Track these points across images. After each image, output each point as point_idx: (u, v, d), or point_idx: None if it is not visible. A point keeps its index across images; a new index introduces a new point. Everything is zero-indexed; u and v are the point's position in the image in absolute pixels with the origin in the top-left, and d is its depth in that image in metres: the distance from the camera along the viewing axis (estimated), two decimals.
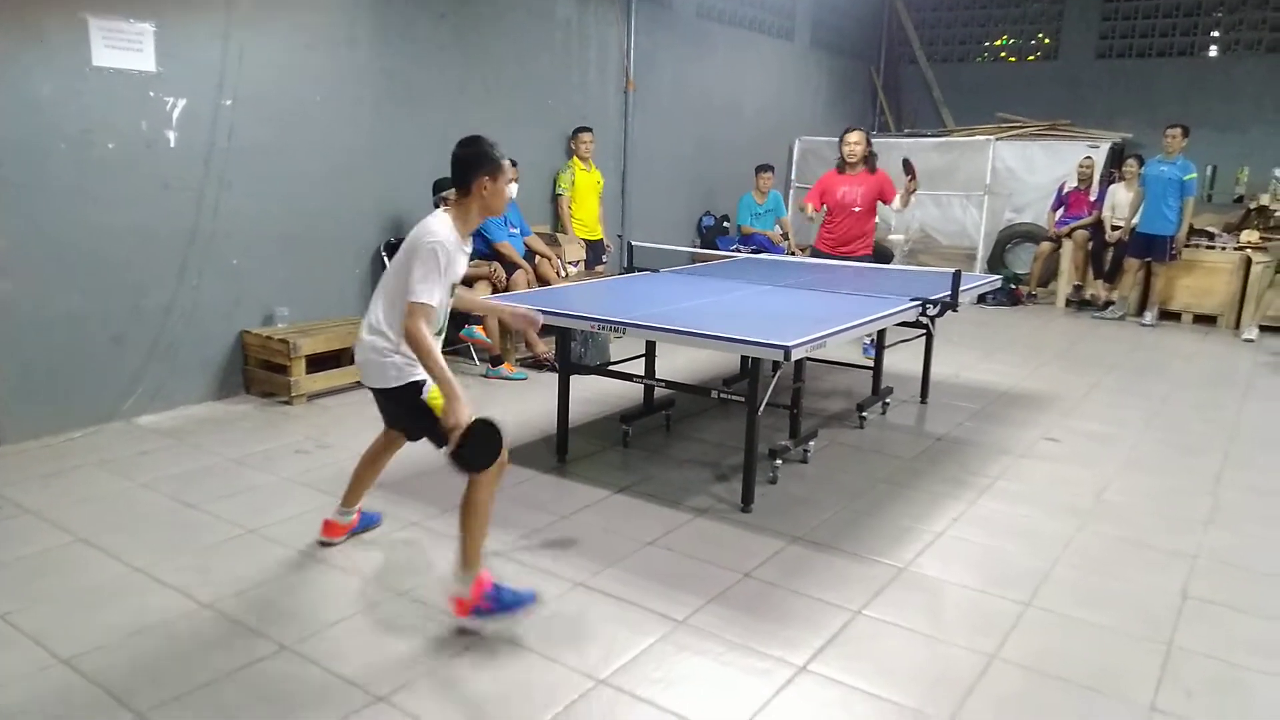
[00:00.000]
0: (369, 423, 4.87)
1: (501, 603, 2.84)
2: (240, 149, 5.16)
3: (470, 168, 2.97)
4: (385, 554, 3.38)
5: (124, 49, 4.60)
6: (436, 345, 2.90)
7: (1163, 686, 2.65)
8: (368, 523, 3.54)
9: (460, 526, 2.87)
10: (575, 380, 4.56)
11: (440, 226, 2.95)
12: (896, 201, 6.18)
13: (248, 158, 5.20)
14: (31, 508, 3.69)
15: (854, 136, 6.23)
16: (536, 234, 6.73)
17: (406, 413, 3.10)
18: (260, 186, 5.30)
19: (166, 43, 4.75)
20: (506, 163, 3.05)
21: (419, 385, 2.99)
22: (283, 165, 5.41)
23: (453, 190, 3.09)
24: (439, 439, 2.94)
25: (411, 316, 2.82)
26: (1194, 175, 8.27)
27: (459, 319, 5.77)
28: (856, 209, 6.24)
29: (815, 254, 6.60)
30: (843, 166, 6.31)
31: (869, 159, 6.24)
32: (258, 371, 5.34)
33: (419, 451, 4.51)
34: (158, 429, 4.76)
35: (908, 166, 6.07)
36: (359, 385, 5.50)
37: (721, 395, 4.20)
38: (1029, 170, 10.10)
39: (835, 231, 6.39)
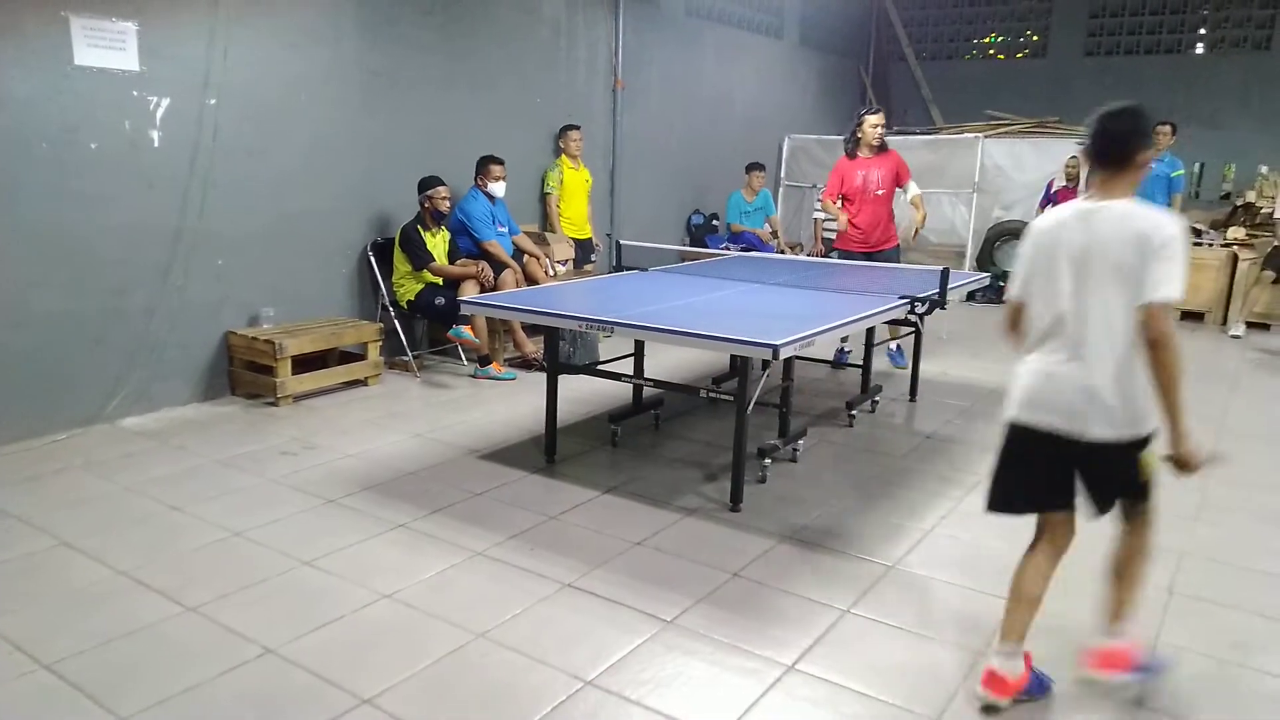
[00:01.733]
0: (355, 424, 4.88)
1: (1148, 667, 2.58)
2: (225, 148, 5.12)
3: (1141, 136, 2.45)
4: (370, 556, 3.35)
5: (106, 48, 4.56)
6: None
7: (1149, 683, 2.65)
8: (1038, 688, 2.61)
9: (1128, 575, 2.59)
10: (564, 380, 4.54)
11: (1170, 219, 2.34)
12: (914, 194, 6.14)
13: (232, 157, 5.17)
14: (14, 511, 3.66)
15: (874, 119, 6.11)
16: (525, 233, 6.71)
17: (1125, 469, 2.48)
18: (245, 186, 5.26)
19: (150, 41, 4.72)
20: None
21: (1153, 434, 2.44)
22: (268, 164, 5.37)
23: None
24: (1139, 495, 2.54)
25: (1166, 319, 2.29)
26: (1181, 172, 8.30)
27: (449, 319, 5.75)
28: (880, 191, 6.12)
29: (843, 255, 6.32)
30: (853, 151, 6.21)
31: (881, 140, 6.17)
32: (243, 373, 5.30)
33: (403, 452, 4.50)
34: (142, 431, 4.72)
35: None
36: (346, 386, 5.52)
37: (710, 394, 4.20)
38: (1018, 168, 10.12)
39: (862, 222, 6.18)
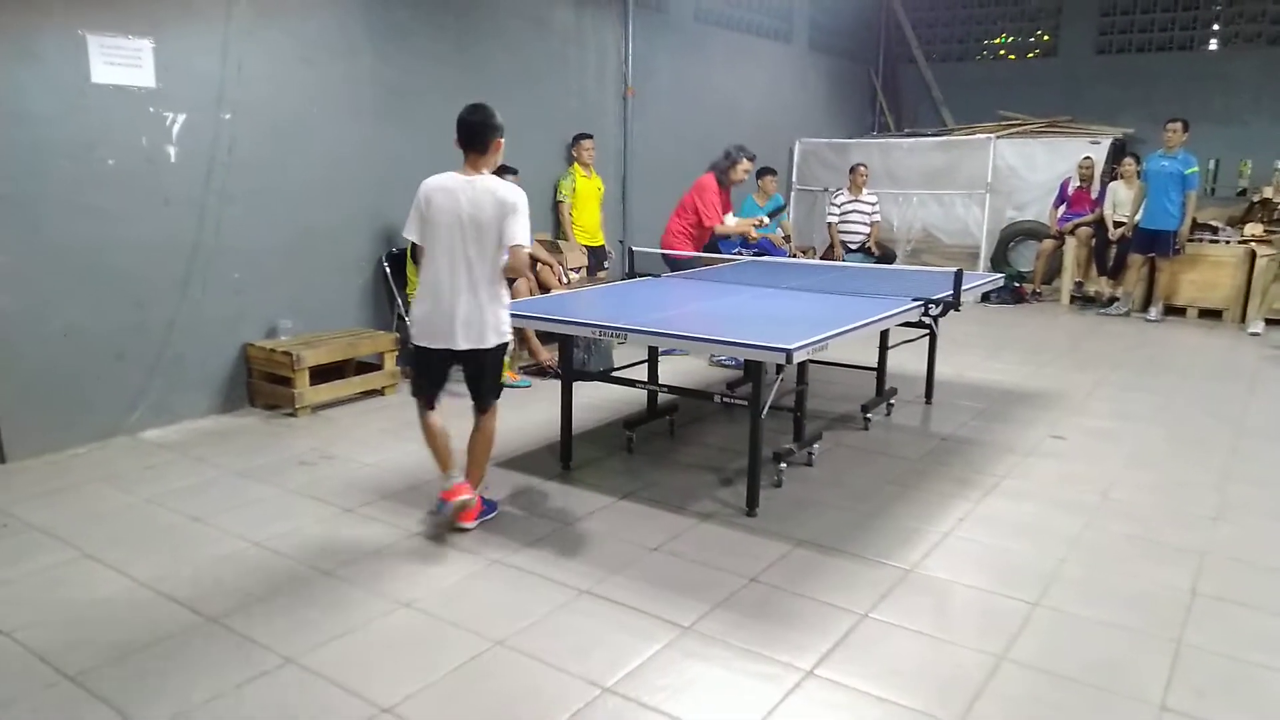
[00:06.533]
0: (373, 434, 4.90)
1: (489, 505, 3.74)
2: (241, 162, 5.17)
3: (490, 130, 3.49)
4: (388, 565, 3.37)
5: (123, 65, 4.62)
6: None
7: (1173, 685, 2.63)
8: (490, 510, 3.81)
9: (480, 453, 3.67)
10: (578, 387, 4.55)
11: (513, 188, 3.48)
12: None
13: (248, 171, 5.22)
14: (37, 523, 3.70)
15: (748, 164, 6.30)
16: (538, 241, 6.74)
17: (490, 370, 3.58)
18: (261, 199, 5.31)
19: (166, 58, 4.78)
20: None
21: (505, 346, 3.59)
22: (283, 178, 5.42)
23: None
24: (492, 395, 3.64)
25: (521, 257, 3.44)
26: (1195, 169, 8.24)
27: None
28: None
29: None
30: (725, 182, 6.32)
31: None
32: (262, 384, 5.35)
33: (419, 461, 4.51)
34: (163, 443, 4.76)
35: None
36: (363, 396, 5.55)
37: (725, 399, 4.19)
38: (1030, 168, 10.08)
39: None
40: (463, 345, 3.47)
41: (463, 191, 3.43)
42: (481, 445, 3.69)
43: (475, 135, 3.47)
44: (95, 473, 4.31)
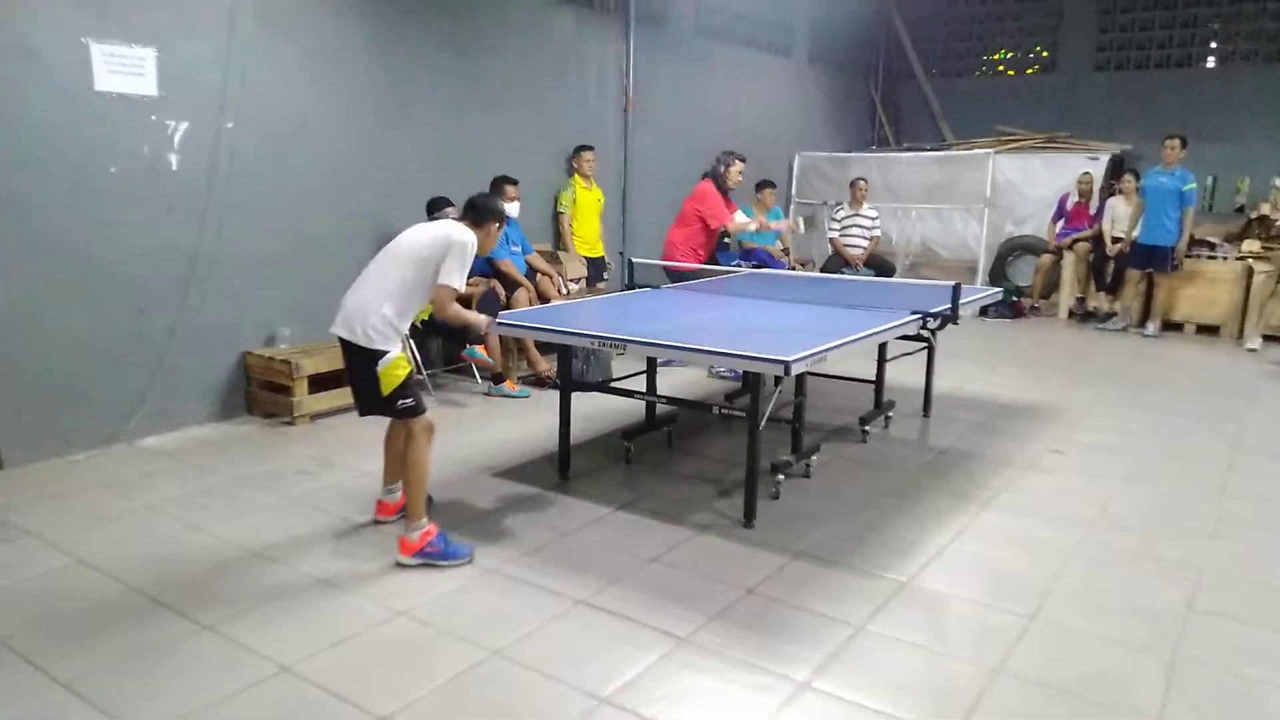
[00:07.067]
0: (371, 443, 4.89)
1: (444, 552, 3.42)
2: (242, 171, 5.19)
3: (490, 213, 3.66)
4: (387, 575, 3.37)
5: (126, 73, 4.64)
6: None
7: (1169, 700, 2.63)
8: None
9: (405, 481, 3.52)
10: (577, 397, 4.56)
11: (469, 235, 3.51)
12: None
13: (249, 179, 5.24)
14: (35, 530, 3.70)
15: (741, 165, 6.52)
16: (538, 252, 6.76)
17: (362, 373, 3.51)
18: (262, 208, 5.33)
19: (168, 66, 4.80)
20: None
21: (380, 355, 3.45)
22: (284, 186, 5.44)
23: (454, 214, 3.71)
24: (386, 411, 3.56)
25: (447, 299, 3.46)
26: (1193, 186, 8.28)
27: (459, 337, 5.78)
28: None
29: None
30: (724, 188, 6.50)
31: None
32: (260, 392, 5.35)
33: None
34: (161, 450, 4.76)
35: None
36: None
37: (723, 411, 4.20)
38: (1029, 183, 10.12)
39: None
40: (342, 332, 3.48)
41: (426, 225, 3.65)
42: (405, 470, 3.52)
43: (475, 211, 3.64)
44: (93, 479, 4.30)
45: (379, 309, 3.44)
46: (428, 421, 3.55)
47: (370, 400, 3.55)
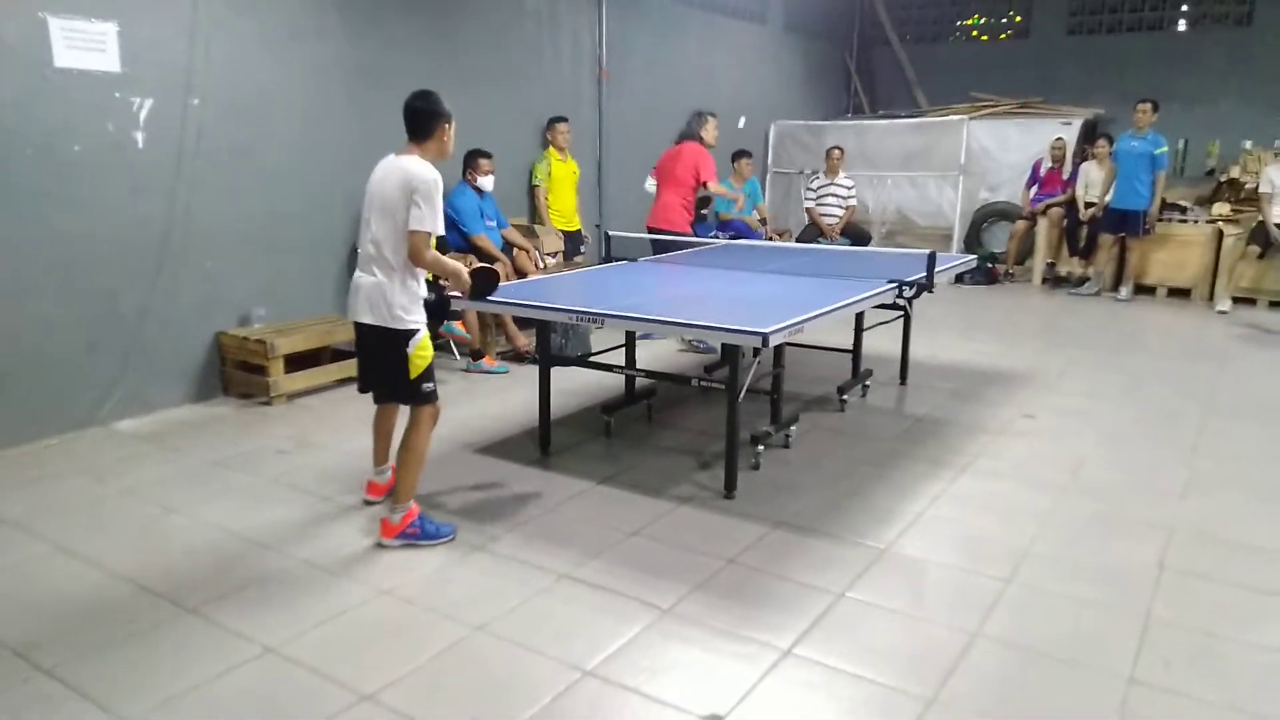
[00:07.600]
0: (349, 422, 4.88)
1: (425, 532, 3.39)
2: (210, 149, 5.10)
3: (434, 116, 3.33)
4: (370, 554, 3.37)
5: (87, 49, 4.53)
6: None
7: (1141, 658, 2.69)
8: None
9: (400, 464, 3.39)
10: (556, 372, 4.55)
11: (425, 169, 3.25)
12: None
13: (218, 157, 5.15)
14: (9, 517, 3.66)
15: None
16: (514, 226, 6.71)
17: (393, 357, 3.33)
18: (232, 186, 5.25)
19: (131, 42, 4.69)
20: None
21: (411, 335, 3.30)
22: (254, 164, 5.35)
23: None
24: (405, 395, 3.40)
25: (422, 246, 3.23)
26: (1165, 149, 8.33)
27: (440, 314, 5.73)
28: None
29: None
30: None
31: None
32: (236, 373, 5.30)
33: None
34: (136, 433, 4.72)
35: None
36: (339, 384, 5.52)
37: (702, 383, 4.21)
38: (1003, 149, 10.14)
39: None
40: (365, 319, 3.31)
41: (384, 170, 3.31)
42: (404, 453, 3.39)
43: (416, 121, 3.31)
44: (69, 464, 4.26)
45: (399, 282, 3.26)
46: (437, 408, 3.45)
47: (392, 385, 3.39)
